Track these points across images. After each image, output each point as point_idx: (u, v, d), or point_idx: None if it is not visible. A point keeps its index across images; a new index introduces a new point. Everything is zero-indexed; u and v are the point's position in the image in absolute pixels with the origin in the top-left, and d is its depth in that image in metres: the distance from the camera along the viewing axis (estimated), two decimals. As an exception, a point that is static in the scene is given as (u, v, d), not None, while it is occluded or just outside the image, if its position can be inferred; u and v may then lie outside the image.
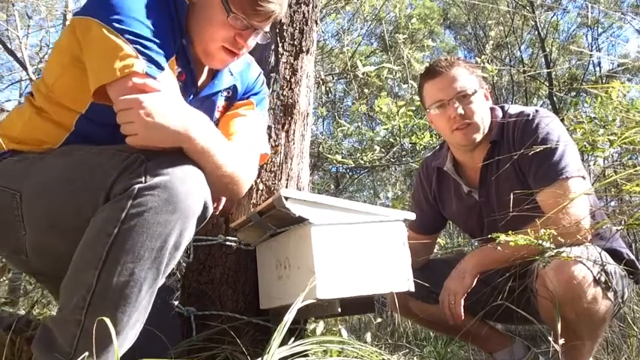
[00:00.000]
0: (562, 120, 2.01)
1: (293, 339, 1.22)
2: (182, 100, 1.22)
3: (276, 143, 1.67)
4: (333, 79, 5.98)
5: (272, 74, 1.71)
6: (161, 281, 1.10)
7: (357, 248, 1.30)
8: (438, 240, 3.25)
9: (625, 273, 1.73)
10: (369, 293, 1.29)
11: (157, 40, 1.17)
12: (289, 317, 1.11)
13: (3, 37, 5.56)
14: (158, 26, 1.19)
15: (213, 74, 1.41)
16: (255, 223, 1.43)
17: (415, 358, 2.50)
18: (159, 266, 1.07)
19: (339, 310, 1.29)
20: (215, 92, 1.40)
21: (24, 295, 2.74)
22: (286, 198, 1.25)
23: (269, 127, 1.68)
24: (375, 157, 4.63)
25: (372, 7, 5.76)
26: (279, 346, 1.13)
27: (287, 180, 1.68)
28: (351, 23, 6.22)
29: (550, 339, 1.40)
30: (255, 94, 1.50)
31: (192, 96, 1.35)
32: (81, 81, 1.21)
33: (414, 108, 4.33)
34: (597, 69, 8.34)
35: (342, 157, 4.77)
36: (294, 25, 1.75)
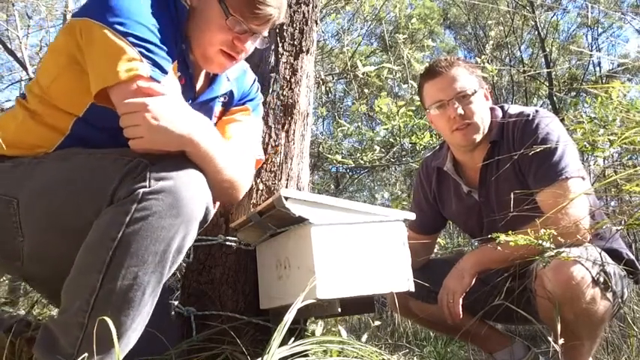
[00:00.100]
0: (562, 120, 2.01)
1: (293, 339, 1.22)
2: (186, 104, 1.22)
3: (276, 143, 1.67)
4: (333, 79, 5.98)
5: (272, 74, 1.71)
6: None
7: (357, 248, 1.30)
8: (438, 240, 3.25)
9: (624, 273, 1.73)
10: (369, 293, 1.29)
11: (160, 44, 1.17)
12: (289, 317, 1.11)
13: (3, 37, 5.56)
14: (161, 30, 1.19)
15: (210, 80, 1.41)
16: (255, 223, 1.43)
17: (415, 358, 2.50)
18: (162, 270, 1.08)
19: (339, 310, 1.29)
20: (213, 98, 1.40)
21: (24, 295, 2.74)
22: (286, 198, 1.25)
23: (269, 127, 1.68)
24: (375, 157, 4.63)
25: (372, 7, 5.76)
26: (279, 346, 1.13)
27: (287, 180, 1.68)
28: (351, 23, 6.23)
29: (550, 339, 1.40)
30: (251, 100, 1.51)
31: (190, 101, 1.34)
32: (78, 83, 1.20)
33: (414, 108, 4.33)
34: (597, 69, 8.35)
35: (342, 157, 4.77)
36: (294, 25, 1.75)
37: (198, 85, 1.38)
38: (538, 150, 1.58)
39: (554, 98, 6.85)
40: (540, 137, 1.73)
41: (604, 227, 1.72)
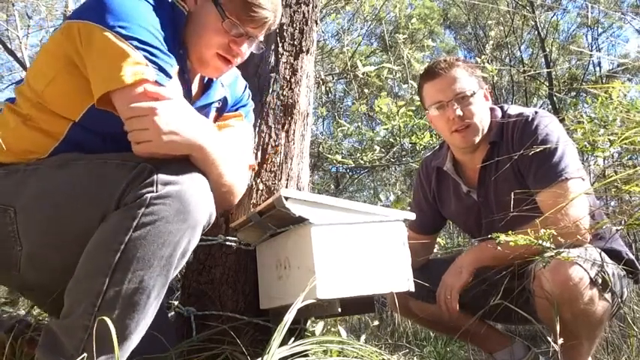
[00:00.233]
0: (562, 120, 2.02)
1: (293, 339, 1.22)
2: (193, 108, 1.23)
3: (276, 143, 1.67)
4: (333, 79, 5.98)
5: (272, 74, 1.71)
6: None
7: (357, 248, 1.30)
8: (438, 240, 3.25)
9: (624, 273, 1.73)
10: (369, 293, 1.29)
11: (164, 49, 1.17)
12: (289, 317, 1.11)
13: (3, 37, 5.56)
14: (163, 35, 1.19)
15: (205, 86, 1.42)
16: (255, 223, 1.43)
17: (415, 358, 2.50)
18: (167, 273, 1.09)
19: (339, 310, 1.29)
20: (209, 103, 1.41)
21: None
22: (286, 198, 1.25)
23: (269, 127, 1.68)
24: (375, 157, 4.63)
25: (372, 7, 5.76)
26: (279, 346, 1.13)
27: (287, 180, 1.68)
28: (351, 23, 6.22)
29: (550, 339, 1.40)
30: (243, 106, 1.53)
31: None
32: (75, 87, 1.19)
33: (414, 108, 4.33)
34: (597, 69, 8.34)
35: (342, 157, 4.77)
36: (294, 25, 1.75)
37: (193, 91, 1.39)
38: (538, 151, 1.58)
39: (554, 98, 6.85)
40: (540, 138, 1.73)
41: (604, 227, 1.72)
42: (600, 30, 8.46)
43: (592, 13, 8.05)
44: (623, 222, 1.60)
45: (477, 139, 1.85)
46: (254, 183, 1.63)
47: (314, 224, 1.27)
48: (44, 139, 1.23)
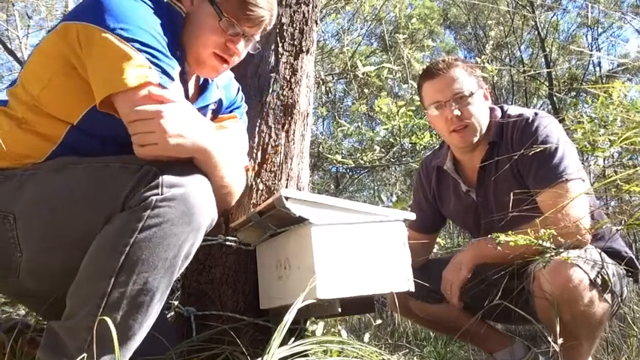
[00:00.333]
0: (562, 120, 2.02)
1: (293, 339, 1.22)
2: (196, 111, 1.23)
3: (276, 143, 1.67)
4: (333, 79, 5.98)
5: (272, 74, 1.71)
6: None
7: (357, 248, 1.30)
8: (438, 240, 3.25)
9: (624, 272, 1.73)
10: (369, 293, 1.29)
11: (165, 51, 1.17)
12: (289, 317, 1.11)
13: (3, 37, 5.56)
14: (163, 37, 1.18)
15: (201, 88, 1.42)
16: (255, 223, 1.43)
17: (415, 358, 2.50)
18: (171, 275, 1.09)
19: (339, 310, 1.29)
20: (206, 105, 1.41)
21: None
22: (286, 198, 1.25)
23: (269, 127, 1.68)
24: (375, 157, 4.63)
25: (372, 7, 5.76)
26: (279, 346, 1.13)
27: (287, 180, 1.68)
28: (351, 23, 6.23)
29: (550, 339, 1.40)
30: (237, 107, 1.53)
31: None
32: (74, 89, 1.18)
33: (414, 108, 4.33)
34: (597, 69, 8.34)
35: (342, 157, 4.77)
36: (294, 25, 1.75)
37: (190, 92, 1.39)
38: (538, 152, 1.58)
39: (554, 98, 6.85)
40: (540, 139, 1.73)
41: (604, 227, 1.72)
42: (600, 30, 8.46)
43: (592, 13, 8.05)
44: (623, 222, 1.60)
45: (476, 139, 1.86)
46: (254, 183, 1.63)
47: (314, 224, 1.27)
48: (40, 143, 1.21)
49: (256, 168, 1.63)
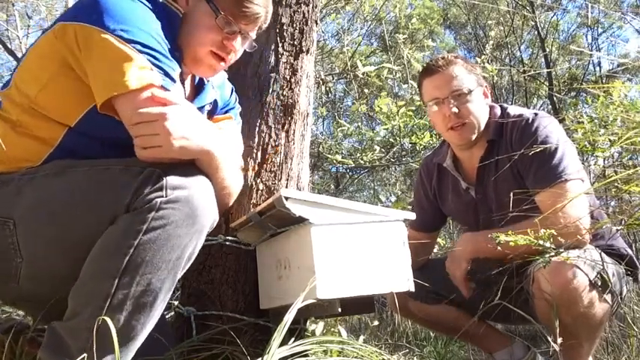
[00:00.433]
0: (562, 120, 2.02)
1: (293, 339, 1.22)
2: (199, 112, 1.23)
3: (276, 143, 1.67)
4: (333, 79, 5.98)
5: (272, 74, 1.71)
6: None
7: (357, 248, 1.30)
8: (438, 240, 3.25)
9: (623, 271, 1.73)
10: (369, 293, 1.29)
11: (165, 52, 1.16)
12: (289, 317, 1.11)
13: (3, 37, 5.56)
14: (163, 38, 1.18)
15: (197, 89, 1.42)
16: (255, 223, 1.43)
17: (415, 358, 2.50)
18: (174, 276, 1.10)
19: (339, 310, 1.29)
20: (202, 106, 1.41)
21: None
22: (286, 198, 1.25)
23: (269, 127, 1.68)
24: (375, 157, 4.63)
25: (372, 7, 5.76)
26: (279, 346, 1.13)
27: (287, 180, 1.68)
28: (351, 23, 6.22)
29: (550, 339, 1.40)
30: (232, 108, 1.53)
31: None
32: (72, 91, 1.17)
33: (414, 108, 4.33)
34: (597, 69, 8.34)
35: (342, 157, 4.77)
36: (294, 25, 1.75)
37: (186, 93, 1.39)
38: (538, 151, 1.59)
39: (554, 98, 6.85)
40: (540, 139, 1.74)
41: (604, 227, 1.73)
42: (600, 30, 8.45)
43: (592, 13, 8.05)
44: (623, 222, 1.60)
45: (473, 137, 1.87)
46: (254, 183, 1.63)
47: (314, 224, 1.27)
48: (37, 146, 1.19)
49: (256, 168, 1.63)
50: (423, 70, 1.96)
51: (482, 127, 1.88)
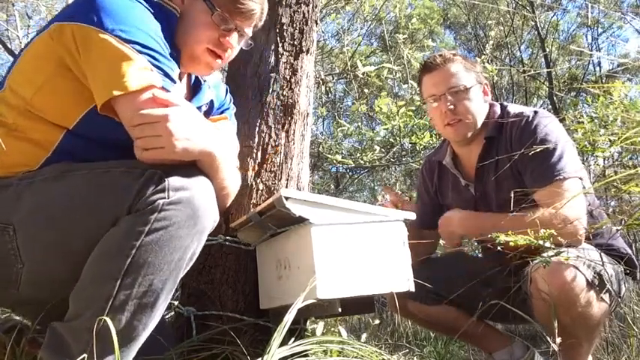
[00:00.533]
0: (562, 120, 2.02)
1: (293, 339, 1.23)
2: (199, 113, 1.23)
3: (276, 143, 1.67)
4: (333, 79, 5.98)
5: (272, 74, 1.71)
6: None
7: (357, 248, 1.30)
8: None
9: (622, 270, 1.73)
10: (369, 293, 1.29)
11: (165, 53, 1.16)
12: (289, 317, 1.11)
13: (3, 37, 5.56)
14: (162, 38, 1.17)
15: (194, 89, 1.42)
16: (255, 223, 1.43)
17: (415, 358, 2.50)
18: (176, 277, 1.10)
19: (339, 310, 1.29)
20: (199, 106, 1.41)
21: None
22: (286, 198, 1.25)
23: (269, 127, 1.68)
24: (375, 157, 4.63)
25: (372, 7, 5.76)
26: (279, 346, 1.13)
27: (287, 180, 1.68)
28: (351, 23, 6.22)
29: (549, 339, 1.41)
30: (227, 108, 1.54)
31: None
32: (69, 92, 1.16)
33: (414, 108, 4.33)
34: (597, 69, 8.34)
35: (342, 157, 4.77)
36: (294, 25, 1.75)
37: (183, 93, 1.38)
38: (537, 149, 1.59)
39: (554, 98, 6.85)
40: (539, 137, 1.74)
41: (604, 227, 1.73)
42: (600, 30, 8.45)
43: (592, 13, 8.04)
44: (623, 222, 1.61)
45: (469, 134, 1.88)
46: (254, 183, 1.63)
47: (314, 224, 1.27)
48: (35, 150, 1.18)
49: (256, 168, 1.64)
50: (422, 67, 1.99)
51: (480, 124, 1.89)
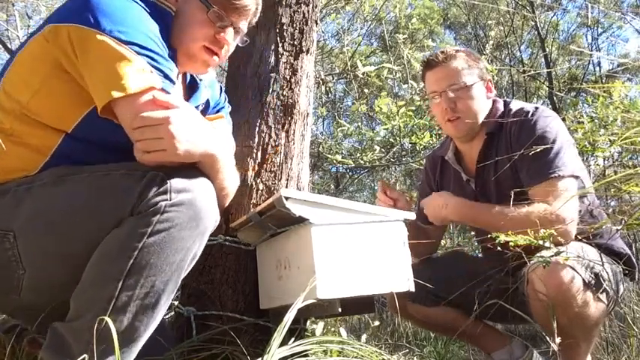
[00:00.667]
0: (562, 120, 2.02)
1: (293, 339, 1.22)
2: (200, 114, 1.23)
3: (276, 143, 1.67)
4: (333, 79, 5.98)
5: (272, 74, 1.71)
6: None
7: (357, 248, 1.30)
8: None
9: (620, 270, 1.73)
10: (369, 293, 1.29)
11: (163, 54, 1.15)
12: (289, 317, 1.11)
13: (3, 37, 5.56)
14: (160, 39, 1.17)
15: (191, 89, 1.42)
16: (255, 223, 1.43)
17: (415, 358, 2.50)
18: (177, 278, 1.10)
19: (339, 310, 1.29)
20: (196, 106, 1.40)
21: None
22: (286, 198, 1.25)
23: (269, 127, 1.68)
24: (375, 157, 4.63)
25: (372, 7, 5.76)
26: (279, 346, 1.13)
27: (287, 180, 1.68)
28: (351, 23, 6.22)
29: (549, 339, 1.41)
30: (222, 107, 1.54)
31: None
32: (67, 95, 1.15)
33: (414, 108, 4.33)
34: (597, 69, 8.33)
35: (342, 157, 4.77)
36: (294, 25, 1.75)
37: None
38: (534, 144, 1.60)
39: (554, 98, 6.85)
40: (537, 134, 1.74)
41: (603, 227, 1.73)
42: (600, 30, 8.45)
43: (592, 13, 8.04)
44: (623, 222, 1.61)
45: (470, 131, 1.89)
46: (254, 183, 1.63)
47: (314, 224, 1.27)
48: (32, 155, 1.16)
49: (256, 168, 1.63)
50: (425, 63, 2.00)
51: (481, 120, 1.89)
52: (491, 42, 5.57)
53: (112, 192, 1.10)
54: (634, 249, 5.15)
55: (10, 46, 5.31)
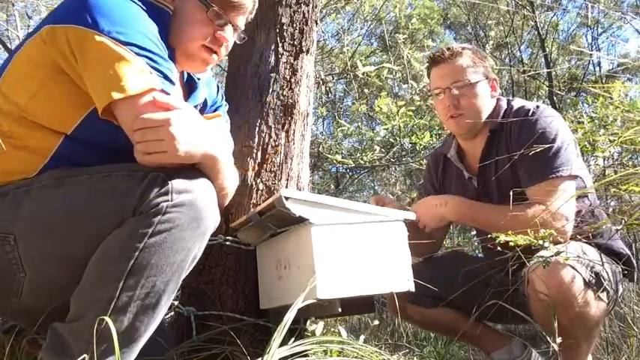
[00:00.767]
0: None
1: (293, 339, 1.22)
2: (200, 115, 1.23)
3: (276, 143, 1.67)
4: (333, 79, 5.98)
5: (272, 74, 1.71)
6: None
7: (357, 248, 1.30)
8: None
9: (620, 269, 1.73)
10: (369, 293, 1.29)
11: (162, 54, 1.15)
12: (289, 317, 1.11)
13: (3, 37, 5.55)
14: (159, 39, 1.16)
15: (189, 87, 1.42)
16: (255, 223, 1.43)
17: (415, 358, 2.50)
18: (178, 278, 1.10)
19: (340, 310, 1.29)
20: (195, 105, 1.40)
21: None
22: (286, 198, 1.25)
23: (269, 127, 1.68)
24: (375, 157, 4.63)
25: (372, 7, 5.76)
26: (279, 346, 1.13)
27: (287, 180, 1.68)
28: (351, 23, 6.22)
29: (549, 339, 1.41)
30: (220, 106, 1.54)
31: None
32: (66, 96, 1.14)
33: (414, 108, 4.33)
34: (597, 69, 8.33)
35: (342, 157, 4.77)
36: (294, 25, 1.75)
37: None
38: (535, 145, 1.60)
39: (554, 98, 6.85)
40: (538, 132, 1.74)
41: (603, 227, 1.73)
42: (600, 30, 8.45)
43: (592, 13, 8.04)
44: (623, 222, 1.61)
45: (472, 128, 1.89)
46: (254, 183, 1.63)
47: (314, 224, 1.27)
48: (31, 157, 1.16)
49: (256, 168, 1.64)
50: (430, 59, 2.00)
51: (484, 118, 1.89)
52: (491, 42, 5.57)
53: (113, 194, 1.09)
54: (634, 249, 5.15)
55: (10, 46, 5.30)
